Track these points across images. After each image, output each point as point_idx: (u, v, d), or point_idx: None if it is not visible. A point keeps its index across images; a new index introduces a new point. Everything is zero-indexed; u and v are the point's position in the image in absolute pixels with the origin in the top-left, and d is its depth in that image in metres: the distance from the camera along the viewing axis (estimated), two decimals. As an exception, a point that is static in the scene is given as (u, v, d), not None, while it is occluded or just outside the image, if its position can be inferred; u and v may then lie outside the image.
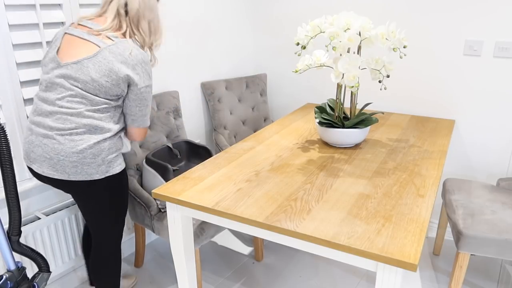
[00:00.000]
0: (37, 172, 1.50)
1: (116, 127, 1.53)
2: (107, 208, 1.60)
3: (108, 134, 1.50)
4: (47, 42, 1.74)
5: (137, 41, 1.53)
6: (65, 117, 1.44)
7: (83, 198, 1.56)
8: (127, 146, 1.65)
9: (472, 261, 2.27)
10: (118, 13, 1.49)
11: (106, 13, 1.50)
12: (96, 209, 1.59)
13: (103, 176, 1.51)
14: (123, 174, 1.61)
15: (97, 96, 1.46)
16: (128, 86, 1.48)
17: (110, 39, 1.46)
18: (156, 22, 1.56)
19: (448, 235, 2.49)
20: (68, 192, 1.57)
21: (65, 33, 1.51)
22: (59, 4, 1.76)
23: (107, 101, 1.48)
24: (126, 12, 1.50)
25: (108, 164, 1.51)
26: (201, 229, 1.81)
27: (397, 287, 1.14)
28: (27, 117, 1.73)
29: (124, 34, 1.50)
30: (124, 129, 1.61)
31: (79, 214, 1.95)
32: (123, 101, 1.54)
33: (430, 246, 2.41)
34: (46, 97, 1.47)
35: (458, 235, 1.71)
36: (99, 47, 1.44)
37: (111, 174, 1.53)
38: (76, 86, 1.44)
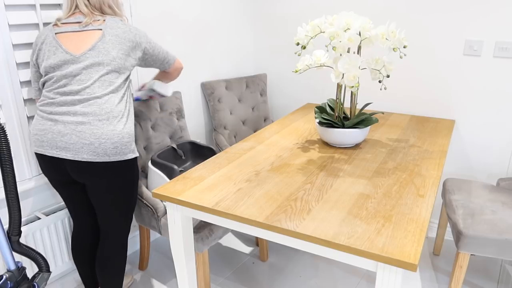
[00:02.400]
0: (73, 159, 1.51)
1: (132, 108, 1.64)
2: (124, 192, 1.64)
3: (132, 114, 1.61)
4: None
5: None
6: (99, 102, 1.51)
7: (109, 180, 1.57)
8: (167, 91, 1.93)
9: (472, 261, 2.27)
10: (85, 4, 1.57)
11: (78, 7, 1.57)
12: (117, 191, 1.61)
13: (134, 156, 1.60)
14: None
15: (119, 73, 1.54)
16: (138, 50, 1.61)
17: (102, 20, 1.55)
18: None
19: (448, 235, 2.49)
20: (90, 179, 1.56)
21: (56, 33, 1.54)
22: (59, 4, 1.76)
23: (127, 76, 1.58)
24: (89, 2, 1.58)
25: (134, 145, 1.61)
26: (210, 231, 1.80)
27: (397, 287, 1.14)
28: (27, 116, 1.73)
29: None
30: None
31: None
32: (143, 65, 1.69)
33: (430, 246, 2.41)
34: (69, 90, 1.50)
35: (458, 235, 1.71)
36: (101, 29, 1.53)
37: (136, 155, 1.62)
38: (101, 71, 1.50)
